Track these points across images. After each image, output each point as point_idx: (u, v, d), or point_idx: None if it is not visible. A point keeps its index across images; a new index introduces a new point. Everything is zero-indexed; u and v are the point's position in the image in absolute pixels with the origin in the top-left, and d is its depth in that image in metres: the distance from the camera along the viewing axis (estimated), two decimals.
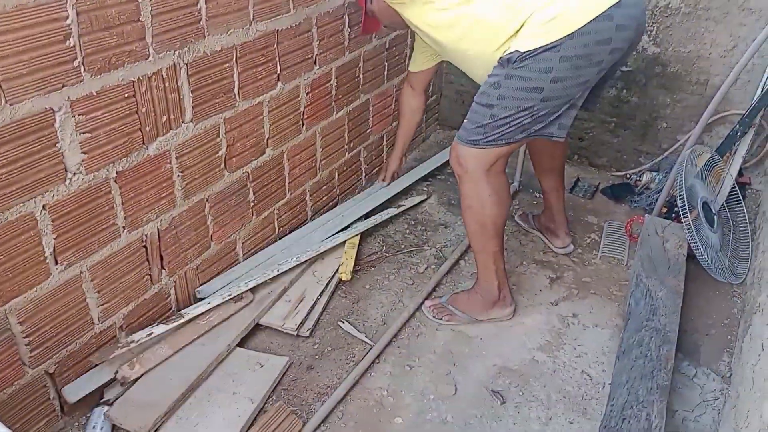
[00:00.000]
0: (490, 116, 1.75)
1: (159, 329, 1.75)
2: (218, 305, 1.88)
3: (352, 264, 2.19)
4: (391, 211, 2.52)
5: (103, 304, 1.62)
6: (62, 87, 1.33)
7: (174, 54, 1.58)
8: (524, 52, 1.67)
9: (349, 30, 2.27)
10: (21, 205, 1.33)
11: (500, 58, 1.73)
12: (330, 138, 2.39)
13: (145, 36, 1.48)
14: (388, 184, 2.66)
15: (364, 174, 2.73)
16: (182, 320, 1.80)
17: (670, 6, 2.55)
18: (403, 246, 2.40)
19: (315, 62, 2.15)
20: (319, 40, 2.13)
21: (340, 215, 2.45)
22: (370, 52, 2.47)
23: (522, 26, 1.69)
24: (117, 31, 1.40)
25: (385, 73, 2.63)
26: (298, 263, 2.10)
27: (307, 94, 2.16)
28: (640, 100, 2.77)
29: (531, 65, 1.67)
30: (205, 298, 1.92)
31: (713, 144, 2.56)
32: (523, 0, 1.69)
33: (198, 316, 1.84)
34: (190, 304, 1.92)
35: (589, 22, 1.65)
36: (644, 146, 2.86)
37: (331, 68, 2.25)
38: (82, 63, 1.35)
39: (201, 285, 1.96)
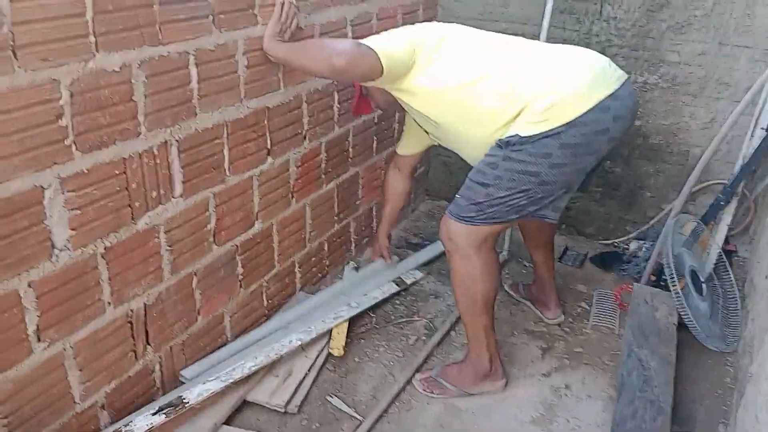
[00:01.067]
0: (485, 195, 1.78)
1: (158, 419, 1.68)
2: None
3: (344, 339, 2.16)
4: (391, 288, 2.49)
5: (85, 382, 1.59)
6: (53, 165, 1.35)
7: (165, 131, 1.61)
8: (524, 137, 1.70)
9: (338, 106, 2.33)
10: (5, 282, 1.32)
11: (499, 139, 1.76)
12: (319, 210, 2.41)
13: (137, 115, 1.51)
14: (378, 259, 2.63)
15: (353, 245, 2.74)
16: (184, 408, 1.74)
17: (648, 82, 2.65)
18: (393, 317, 2.39)
19: (305, 137, 2.19)
20: (309, 116, 2.18)
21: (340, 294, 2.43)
22: (359, 126, 2.53)
23: (521, 112, 1.73)
24: (110, 111, 1.44)
25: (374, 146, 2.69)
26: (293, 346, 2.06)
27: (297, 167, 2.20)
28: (624, 171, 2.83)
29: (530, 150, 1.71)
30: (188, 381, 1.87)
31: (698, 213, 2.59)
32: (522, 86, 1.74)
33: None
34: (175, 382, 1.88)
35: (588, 112, 1.70)
36: (630, 215, 2.90)
37: (321, 143, 2.30)
38: (74, 142, 1.38)
39: (186, 363, 1.92)
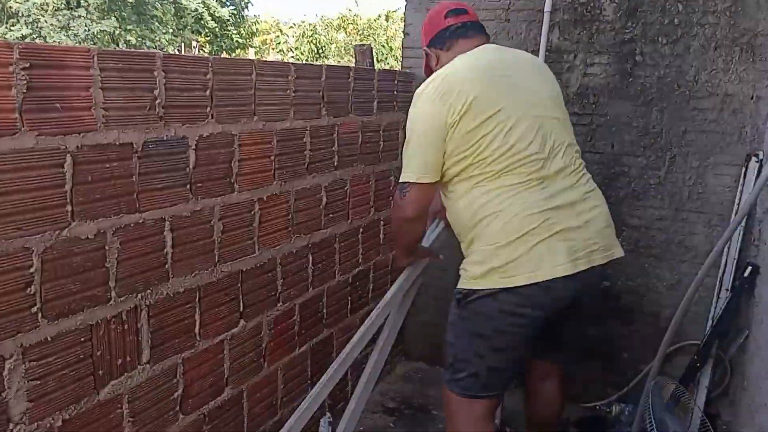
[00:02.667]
0: (452, 356, 1.76)
1: None
2: None
3: None
4: None
5: None
6: (17, 334, 1.32)
7: (136, 297, 1.61)
8: (466, 292, 1.76)
9: (312, 267, 2.36)
10: None
11: (455, 291, 1.79)
12: (292, 374, 2.35)
13: (108, 281, 1.52)
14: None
15: (327, 409, 2.64)
16: None
17: None
18: None
19: (278, 299, 2.19)
20: (283, 278, 2.20)
21: None
22: (334, 287, 2.54)
23: (473, 240, 1.81)
24: (80, 278, 1.44)
25: (349, 307, 2.68)
26: None
27: (270, 330, 2.17)
28: (599, 332, 2.83)
29: (475, 308, 1.76)
30: None
31: (676, 374, 2.57)
32: (479, 205, 1.80)
33: None
34: None
35: (528, 285, 1.71)
36: (610, 377, 2.86)
37: (295, 304, 2.30)
38: (41, 309, 1.36)
39: None
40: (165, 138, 1.63)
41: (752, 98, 2.46)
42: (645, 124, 2.61)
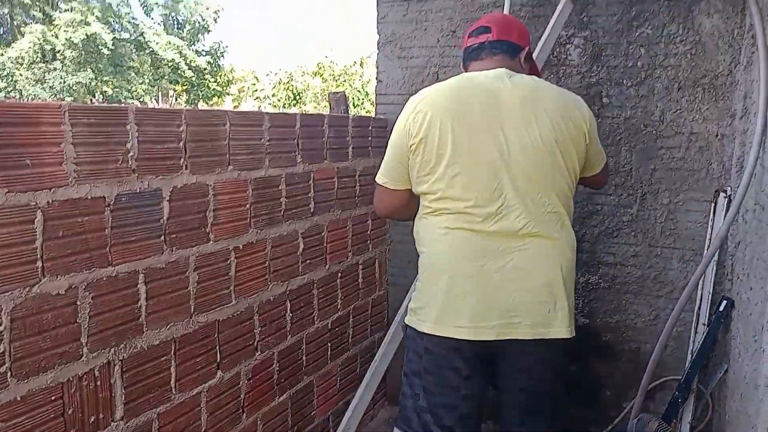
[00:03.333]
0: (409, 395, 1.82)
1: None
2: None
3: None
4: None
5: None
6: None
7: (109, 352, 1.58)
8: (403, 325, 1.83)
9: (290, 314, 2.34)
10: None
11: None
12: (273, 424, 2.30)
13: (80, 337, 1.49)
14: None
15: None
16: None
17: (590, 282, 2.77)
18: None
19: (256, 348, 2.17)
20: (261, 326, 2.18)
21: None
22: (313, 334, 2.52)
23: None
24: (51, 335, 1.42)
25: (329, 353, 2.65)
26: None
27: (248, 380, 2.14)
28: (580, 369, 2.83)
29: (410, 345, 1.81)
30: None
31: (659, 410, 2.57)
32: (422, 234, 1.83)
33: None
34: None
35: (434, 335, 1.73)
36: (592, 415, 2.84)
37: (273, 353, 2.27)
38: (10, 368, 1.33)
39: None
40: (138, 190, 1.63)
41: (717, 136, 2.52)
42: (615, 163, 2.66)
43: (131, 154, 1.61)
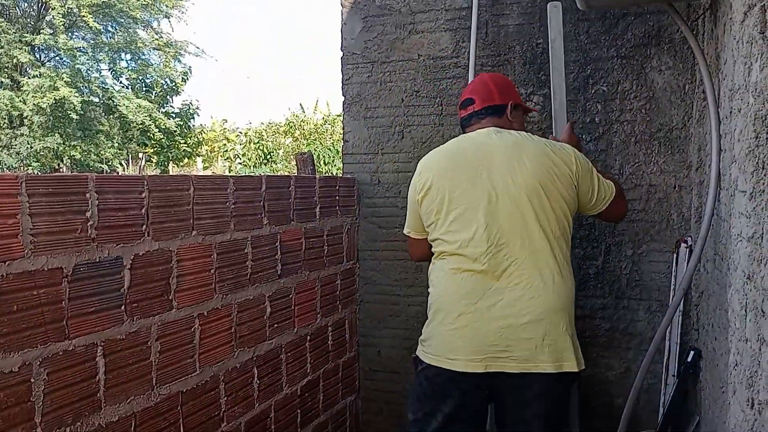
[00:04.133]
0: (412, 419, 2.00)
1: None
2: None
3: None
4: None
5: None
6: None
7: (64, 431, 1.51)
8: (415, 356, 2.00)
9: (258, 382, 2.29)
10: None
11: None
12: None
13: (34, 416, 1.43)
14: None
15: None
16: None
17: None
18: None
19: (222, 419, 2.10)
20: (226, 396, 2.12)
21: None
22: (282, 401, 2.45)
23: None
24: (3, 415, 1.36)
25: (299, 420, 2.58)
26: None
27: None
28: None
29: (417, 373, 1.98)
30: None
31: None
32: (431, 275, 2.05)
33: None
34: None
35: (435, 366, 1.91)
36: None
37: (240, 423, 2.20)
38: None
39: None
40: (97, 260, 1.60)
41: (675, 188, 2.59)
42: (579, 216, 2.70)
43: (91, 222, 1.59)
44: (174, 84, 17.20)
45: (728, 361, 1.57)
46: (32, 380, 1.42)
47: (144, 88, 17.07)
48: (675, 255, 2.53)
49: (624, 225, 2.66)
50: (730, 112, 1.72)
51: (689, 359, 2.29)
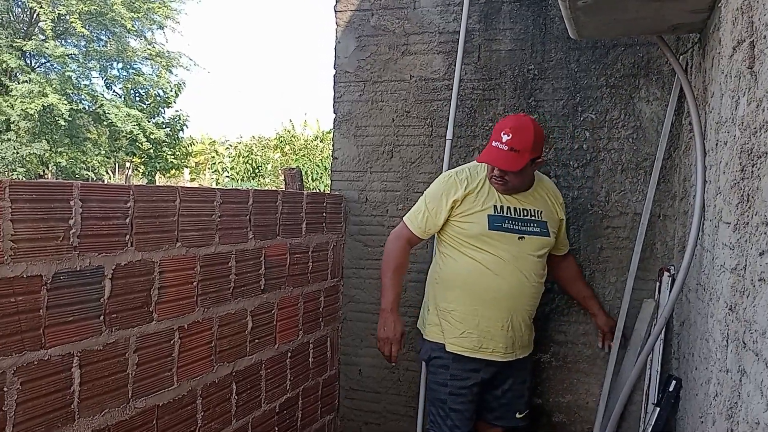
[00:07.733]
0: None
1: None
2: None
3: None
4: None
5: None
6: None
7: None
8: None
9: (236, 397, 2.26)
10: None
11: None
12: None
13: (5, 426, 1.40)
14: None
15: None
16: None
17: (541, 360, 2.76)
18: None
19: None
20: (204, 411, 2.09)
21: None
22: (260, 417, 2.42)
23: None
24: None
25: None
26: None
27: None
28: None
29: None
30: None
31: None
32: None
33: None
34: None
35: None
36: None
37: None
38: None
39: None
40: (78, 268, 1.58)
41: (659, 217, 2.61)
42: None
43: (73, 230, 1.57)
44: (166, 96, 17.17)
45: (708, 391, 1.58)
46: (5, 389, 1.39)
47: (137, 98, 17.03)
48: (658, 283, 2.54)
49: (609, 252, 2.67)
50: (716, 144, 1.74)
51: (671, 388, 2.29)
